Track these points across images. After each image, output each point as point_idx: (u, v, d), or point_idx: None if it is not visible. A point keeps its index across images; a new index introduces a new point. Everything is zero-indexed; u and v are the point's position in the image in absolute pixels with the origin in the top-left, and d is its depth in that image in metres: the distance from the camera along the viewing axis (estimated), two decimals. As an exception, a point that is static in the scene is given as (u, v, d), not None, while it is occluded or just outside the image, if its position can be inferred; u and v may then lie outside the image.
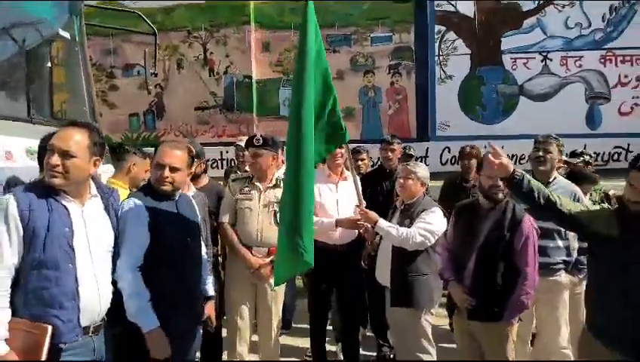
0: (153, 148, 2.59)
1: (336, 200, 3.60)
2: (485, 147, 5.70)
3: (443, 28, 6.84)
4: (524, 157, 5.48)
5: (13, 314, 1.91)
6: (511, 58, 6.74)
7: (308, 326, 4.04)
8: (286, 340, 4.32)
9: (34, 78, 3.45)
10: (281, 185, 3.41)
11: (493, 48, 6.77)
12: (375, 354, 4.23)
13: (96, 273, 2.10)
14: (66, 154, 1.98)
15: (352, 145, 3.78)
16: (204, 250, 2.75)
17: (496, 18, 6.74)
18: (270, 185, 3.42)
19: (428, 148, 6.65)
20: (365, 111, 6.84)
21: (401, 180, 3.28)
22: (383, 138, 4.49)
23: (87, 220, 2.08)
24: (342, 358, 3.97)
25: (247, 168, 4.31)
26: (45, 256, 1.93)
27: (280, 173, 3.65)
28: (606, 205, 2.38)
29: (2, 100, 3.20)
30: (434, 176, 3.42)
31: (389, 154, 4.25)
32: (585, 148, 4.73)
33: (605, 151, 6.33)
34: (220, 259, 3.64)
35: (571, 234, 3.15)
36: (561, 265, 3.22)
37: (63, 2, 3.67)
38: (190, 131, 7.16)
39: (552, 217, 2.47)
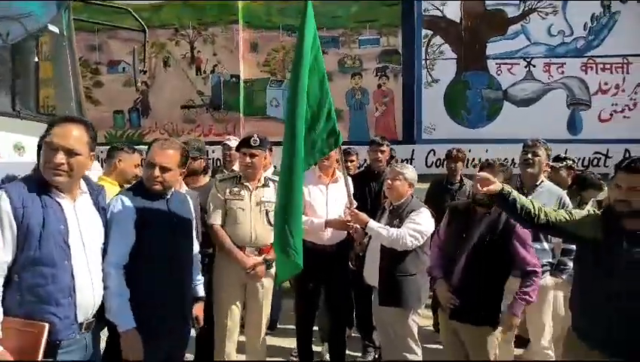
0: (147, 147, 2.56)
1: (326, 201, 3.62)
2: (470, 150, 5.81)
3: (430, 32, 6.92)
4: (507, 161, 5.56)
5: (5, 314, 1.87)
6: (496, 63, 6.85)
7: (293, 327, 4.04)
8: (271, 340, 4.31)
9: (20, 72, 3.40)
10: (269, 184, 3.42)
11: (478, 53, 6.87)
12: (360, 354, 4.26)
13: (91, 268, 2.09)
14: (70, 152, 1.97)
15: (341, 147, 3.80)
16: (196, 249, 2.73)
17: (482, 24, 6.84)
18: (259, 184, 3.41)
19: (414, 150, 6.72)
20: (352, 113, 6.89)
21: (389, 182, 3.31)
22: (373, 139, 4.52)
23: (79, 216, 2.07)
24: (327, 358, 3.99)
25: (234, 168, 4.30)
26: (41, 253, 1.91)
27: (268, 173, 3.67)
28: (593, 210, 2.44)
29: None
30: (419, 178, 3.46)
31: (379, 155, 4.29)
32: (566, 153, 4.84)
33: (585, 157, 6.47)
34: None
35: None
36: (547, 267, 3.30)
37: (51, -4, 3.62)
38: (176, 130, 7.10)
39: (534, 228, 2.58)
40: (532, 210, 2.39)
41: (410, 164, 6.44)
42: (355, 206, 3.38)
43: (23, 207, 1.89)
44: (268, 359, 3.62)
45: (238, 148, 3.48)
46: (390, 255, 3.16)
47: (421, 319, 3.46)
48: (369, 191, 4.22)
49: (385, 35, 6.95)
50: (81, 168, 2.02)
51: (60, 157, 1.94)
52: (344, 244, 3.66)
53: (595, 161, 6.55)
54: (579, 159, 5.91)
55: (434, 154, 6.66)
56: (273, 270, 3.35)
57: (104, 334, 2.34)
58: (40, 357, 1.85)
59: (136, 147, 3.45)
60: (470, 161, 6.06)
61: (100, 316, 2.17)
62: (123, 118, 7.29)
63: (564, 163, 4.33)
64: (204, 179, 3.60)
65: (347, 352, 3.94)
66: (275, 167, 5.16)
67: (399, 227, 3.16)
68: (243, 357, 3.56)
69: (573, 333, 2.46)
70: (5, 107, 3.07)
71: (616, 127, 6.67)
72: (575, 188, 4.11)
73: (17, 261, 1.90)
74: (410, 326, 3.22)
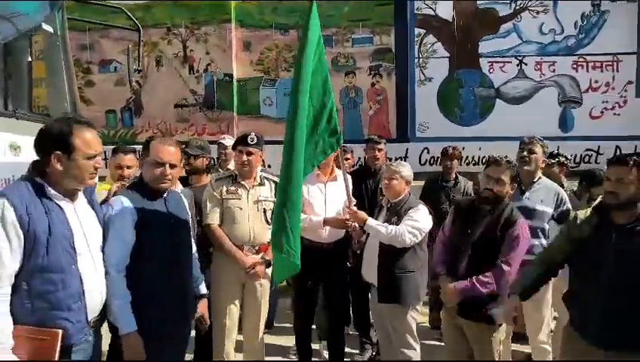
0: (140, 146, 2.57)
1: (325, 199, 3.62)
2: (464, 148, 5.85)
3: (423, 31, 6.93)
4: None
5: (15, 322, 1.84)
6: (488, 62, 6.87)
7: (289, 326, 4.05)
8: (268, 339, 4.31)
9: (14, 72, 3.36)
10: (265, 183, 3.42)
11: (471, 52, 6.89)
12: (358, 351, 4.28)
13: (97, 269, 2.09)
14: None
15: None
16: (194, 248, 2.73)
17: (474, 22, 6.87)
18: (256, 183, 3.41)
19: (407, 148, 6.72)
20: (346, 111, 6.89)
21: (386, 180, 3.33)
22: (370, 137, 4.55)
23: (81, 218, 2.06)
24: (325, 356, 4.00)
25: (229, 166, 4.28)
26: (49, 259, 1.88)
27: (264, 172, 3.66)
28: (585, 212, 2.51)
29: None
30: (413, 176, 3.48)
31: (376, 153, 4.33)
32: (558, 150, 4.89)
33: (577, 154, 6.52)
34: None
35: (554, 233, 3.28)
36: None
37: (44, -6, 3.57)
38: (169, 129, 7.04)
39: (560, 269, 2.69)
40: (545, 271, 2.60)
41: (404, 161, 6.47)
42: (354, 204, 3.39)
43: (27, 215, 1.85)
44: (266, 358, 3.62)
45: (234, 147, 3.47)
46: (389, 252, 3.18)
47: (418, 315, 3.48)
48: (366, 189, 4.24)
49: (378, 33, 6.95)
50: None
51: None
52: (343, 242, 3.67)
53: (587, 157, 6.62)
54: (571, 156, 5.95)
55: (428, 152, 6.68)
56: (270, 269, 3.35)
57: (106, 332, 2.33)
58: None
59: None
60: (464, 159, 6.10)
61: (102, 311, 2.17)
62: (115, 117, 7.21)
63: (557, 159, 4.37)
64: (207, 178, 3.59)
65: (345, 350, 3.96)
66: (269, 165, 5.20)
67: (397, 224, 3.18)
68: (241, 357, 3.56)
69: (570, 328, 2.50)
70: (0, 107, 3.03)
71: (606, 124, 6.73)
72: (584, 184, 4.13)
73: (24, 268, 1.86)
74: (409, 322, 3.24)
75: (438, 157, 5.73)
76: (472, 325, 2.86)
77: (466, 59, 6.89)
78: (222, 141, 4.68)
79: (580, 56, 6.79)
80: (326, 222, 3.53)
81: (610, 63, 6.75)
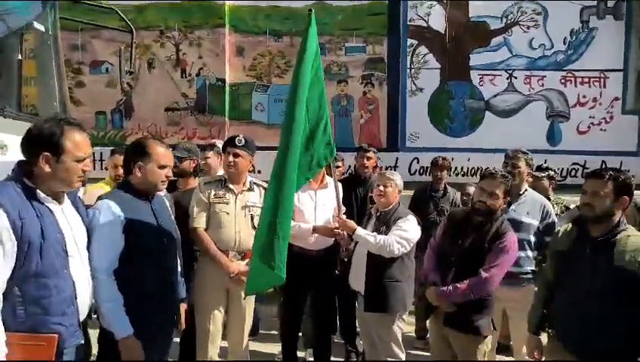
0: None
1: (315, 206, 3.62)
2: (453, 159, 5.90)
3: (415, 42, 7.02)
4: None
5: (7, 329, 1.78)
6: (478, 74, 6.98)
7: (274, 333, 4.02)
8: (252, 346, 4.28)
9: (2, 69, 3.32)
10: (255, 188, 3.40)
11: (462, 64, 6.98)
12: (343, 359, 4.26)
13: (85, 270, 2.07)
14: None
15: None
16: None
17: (466, 35, 6.97)
18: (244, 188, 3.39)
19: (397, 158, 6.78)
20: (337, 119, 6.93)
21: (381, 188, 3.32)
22: (360, 146, 4.57)
23: (69, 219, 2.04)
24: (312, 363, 3.98)
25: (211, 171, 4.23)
26: (43, 264, 1.85)
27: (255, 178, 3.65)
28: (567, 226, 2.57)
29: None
30: (403, 185, 3.50)
31: (365, 161, 4.34)
32: (546, 163, 4.95)
33: (564, 167, 6.62)
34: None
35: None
36: (530, 275, 3.36)
37: (36, -7, 3.55)
38: (159, 132, 7.01)
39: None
40: (548, 293, 2.62)
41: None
42: (343, 212, 3.39)
43: (20, 219, 1.80)
44: (252, 364, 3.59)
45: (223, 148, 3.45)
46: (376, 261, 3.18)
47: (405, 325, 3.48)
48: (355, 197, 4.25)
49: (371, 43, 7.01)
50: None
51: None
52: (331, 250, 3.66)
53: (573, 171, 6.72)
54: (557, 169, 6.03)
55: (417, 162, 6.74)
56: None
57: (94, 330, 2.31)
58: None
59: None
60: (452, 170, 6.15)
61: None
62: (105, 118, 7.17)
63: (547, 173, 4.43)
64: (194, 182, 3.56)
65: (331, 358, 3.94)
66: (259, 171, 5.17)
67: (386, 233, 3.18)
68: (226, 362, 3.53)
69: (554, 339, 2.53)
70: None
71: (593, 139, 6.85)
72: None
73: (16, 274, 1.81)
74: (394, 331, 3.24)
75: (427, 168, 5.76)
76: (459, 336, 2.86)
77: (457, 71, 6.98)
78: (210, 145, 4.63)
79: (569, 71, 6.92)
80: (315, 230, 3.52)
81: (598, 79, 6.88)
